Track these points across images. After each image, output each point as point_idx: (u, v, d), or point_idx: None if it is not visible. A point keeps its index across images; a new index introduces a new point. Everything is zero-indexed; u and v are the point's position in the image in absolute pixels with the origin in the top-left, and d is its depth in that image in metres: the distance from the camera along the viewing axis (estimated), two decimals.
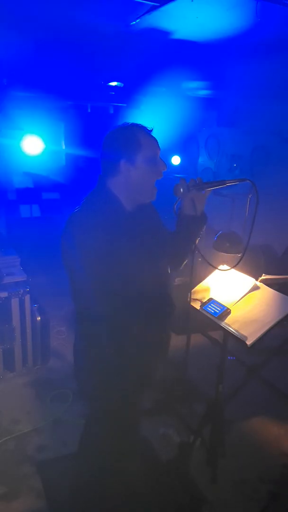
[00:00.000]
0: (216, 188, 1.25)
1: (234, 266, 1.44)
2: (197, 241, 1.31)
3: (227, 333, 1.54)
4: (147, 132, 1.21)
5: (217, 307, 1.58)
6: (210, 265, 1.46)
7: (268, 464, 1.97)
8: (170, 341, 1.41)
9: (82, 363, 1.32)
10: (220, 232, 2.60)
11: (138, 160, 1.17)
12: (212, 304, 1.60)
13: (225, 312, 1.56)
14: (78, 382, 1.36)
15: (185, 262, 1.39)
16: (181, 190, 1.21)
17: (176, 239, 1.31)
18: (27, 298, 2.53)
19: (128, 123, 1.22)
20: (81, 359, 1.32)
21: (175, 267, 1.40)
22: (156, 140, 1.22)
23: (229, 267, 1.58)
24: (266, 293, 1.61)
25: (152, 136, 1.22)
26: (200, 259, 1.47)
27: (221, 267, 1.69)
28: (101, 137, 1.24)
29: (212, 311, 1.57)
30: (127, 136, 1.18)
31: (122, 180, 1.19)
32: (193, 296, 1.69)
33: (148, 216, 1.30)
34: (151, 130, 1.22)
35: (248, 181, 1.22)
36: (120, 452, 1.38)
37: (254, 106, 3.47)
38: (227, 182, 1.22)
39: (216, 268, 1.50)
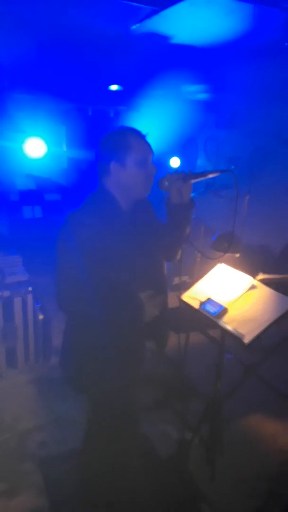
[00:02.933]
0: (208, 183, 1.28)
1: (223, 255, 1.44)
2: (188, 230, 1.35)
3: (224, 331, 1.53)
4: (140, 136, 1.23)
5: (215, 306, 1.57)
6: (205, 256, 1.45)
7: (266, 461, 1.96)
8: (167, 337, 1.42)
9: (72, 354, 1.31)
10: (218, 232, 2.60)
11: (127, 162, 1.20)
12: (209, 303, 1.60)
13: (223, 311, 1.55)
14: (67, 370, 1.35)
15: (179, 253, 1.42)
16: (166, 183, 1.26)
17: (168, 228, 1.34)
18: (29, 297, 2.53)
19: (123, 126, 1.25)
20: (71, 351, 1.32)
21: (170, 258, 1.42)
22: (149, 145, 1.25)
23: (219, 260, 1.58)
24: (264, 292, 1.60)
25: (144, 140, 1.24)
26: (199, 259, 1.48)
27: (218, 265, 1.69)
28: (98, 138, 1.26)
29: (210, 310, 1.57)
30: (118, 138, 1.22)
31: (113, 181, 1.23)
32: (191, 295, 1.68)
33: (144, 213, 1.33)
34: (145, 135, 1.24)
35: (229, 171, 1.25)
36: (119, 449, 1.38)
37: (253, 109, 3.46)
38: (208, 173, 1.25)
39: (208, 257, 1.49)
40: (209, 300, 1.61)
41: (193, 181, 1.27)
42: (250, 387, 2.41)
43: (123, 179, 1.22)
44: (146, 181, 1.25)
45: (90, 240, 1.14)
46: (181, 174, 1.26)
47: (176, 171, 1.28)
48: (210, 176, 1.25)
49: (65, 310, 1.24)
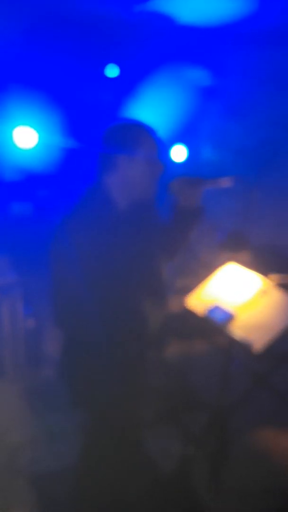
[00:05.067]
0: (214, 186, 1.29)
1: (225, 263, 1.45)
2: (192, 235, 1.37)
3: (232, 338, 1.53)
4: (148, 131, 1.24)
5: (222, 312, 1.57)
6: (207, 266, 1.46)
7: (275, 475, 1.96)
8: (166, 345, 1.42)
9: (73, 370, 1.32)
10: (226, 231, 2.61)
11: (137, 157, 1.20)
12: (216, 308, 1.59)
13: (230, 316, 1.55)
14: (67, 383, 1.36)
15: (175, 255, 1.44)
16: (176, 188, 1.29)
17: (170, 231, 1.36)
18: (19, 300, 2.52)
19: (131, 119, 1.26)
20: (71, 363, 1.32)
21: (167, 260, 1.44)
22: (157, 141, 1.25)
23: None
24: (275, 295, 1.60)
25: (153, 136, 1.25)
26: (203, 260, 1.48)
27: (227, 264, 1.69)
28: (99, 129, 1.26)
29: (217, 316, 1.56)
30: (128, 132, 1.22)
31: (119, 178, 1.22)
32: (197, 299, 1.68)
33: (144, 213, 1.32)
34: (153, 131, 1.25)
35: (242, 179, 1.27)
36: (119, 464, 1.38)
37: (261, 97, 3.46)
38: (222, 181, 1.29)
39: (211, 266, 1.51)
40: (216, 306, 1.61)
41: (204, 187, 1.29)
42: (259, 397, 2.42)
43: (130, 176, 1.22)
44: (153, 178, 1.25)
45: (85, 246, 1.14)
46: (192, 179, 1.28)
47: (186, 175, 1.30)
48: (223, 183, 1.28)
49: (64, 325, 1.24)
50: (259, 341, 1.45)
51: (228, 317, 1.54)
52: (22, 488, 1.84)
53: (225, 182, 1.28)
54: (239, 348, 1.55)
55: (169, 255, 1.43)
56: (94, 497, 1.45)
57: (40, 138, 3.02)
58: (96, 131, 1.28)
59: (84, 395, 1.31)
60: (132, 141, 1.20)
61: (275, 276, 1.70)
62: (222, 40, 2.49)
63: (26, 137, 2.99)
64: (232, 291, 1.67)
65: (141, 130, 1.23)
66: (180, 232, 1.36)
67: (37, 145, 3.04)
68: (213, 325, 1.56)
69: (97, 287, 1.15)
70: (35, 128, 2.98)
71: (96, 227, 1.17)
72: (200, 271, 2.73)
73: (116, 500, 1.45)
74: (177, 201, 1.31)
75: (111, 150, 1.21)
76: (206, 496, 1.81)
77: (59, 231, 1.19)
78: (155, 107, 3.24)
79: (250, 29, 2.31)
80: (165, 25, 2.30)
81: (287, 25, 2.22)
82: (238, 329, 1.51)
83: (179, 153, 3.87)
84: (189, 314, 1.63)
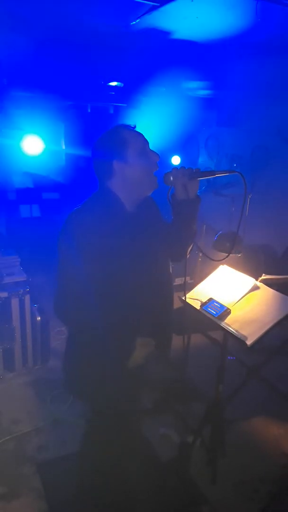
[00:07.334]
0: (209, 181, 1.27)
1: (226, 257, 1.43)
2: (194, 227, 1.32)
3: (227, 333, 1.54)
4: (130, 129, 1.23)
5: (217, 307, 1.58)
6: (208, 257, 1.44)
7: (268, 464, 1.97)
8: (171, 340, 1.42)
9: (75, 362, 1.31)
10: (220, 232, 2.61)
11: (129, 156, 1.18)
12: (212, 304, 1.60)
13: (225, 312, 1.56)
14: (71, 380, 1.36)
15: (187, 252, 1.39)
16: (171, 178, 1.25)
17: (173, 226, 1.32)
18: (27, 298, 2.53)
19: (112, 127, 1.24)
20: (73, 358, 1.32)
21: (177, 258, 1.40)
22: (142, 134, 1.23)
23: (224, 263, 1.58)
24: (266, 293, 1.61)
25: (136, 131, 1.23)
26: (200, 259, 1.49)
27: (220, 267, 1.70)
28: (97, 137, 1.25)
29: (212, 311, 1.57)
30: (113, 137, 1.21)
31: (119, 180, 1.21)
32: (193, 296, 1.69)
33: (148, 213, 1.31)
34: (134, 127, 1.24)
35: (237, 173, 1.23)
36: (119, 452, 1.39)
37: (254, 106, 3.47)
38: (216, 172, 1.24)
39: (213, 259, 1.48)
40: (211, 301, 1.61)
41: (199, 179, 1.25)
42: (252, 389, 2.42)
43: (129, 176, 1.19)
44: (152, 171, 1.22)
45: (91, 240, 1.11)
46: (188, 170, 1.23)
47: (183, 166, 1.24)
48: (218, 175, 1.24)
49: (62, 317, 1.21)
50: (251, 336, 1.45)
51: (223, 312, 1.54)
52: (30, 474, 1.85)
53: (220, 173, 1.24)
54: (233, 342, 1.55)
55: (177, 250, 1.36)
56: (95, 482, 1.46)
57: (46, 145, 3.04)
58: (95, 138, 1.27)
59: (86, 386, 1.31)
60: (120, 142, 1.18)
61: (266, 275, 1.70)
62: (217, 52, 2.50)
63: (34, 144, 3.01)
64: (226, 289, 1.68)
65: (124, 129, 1.21)
66: (181, 224, 1.29)
67: (43, 152, 3.06)
68: (209, 320, 1.56)
69: (105, 283, 1.13)
70: (41, 137, 3.00)
71: (102, 223, 1.14)
72: (196, 269, 2.73)
73: (116, 485, 1.45)
74: (174, 192, 1.26)
75: (103, 156, 1.20)
76: (202, 483, 1.81)
77: (65, 226, 1.15)
78: (153, 117, 3.25)
79: (246, 42, 2.31)
80: (162, 38, 2.30)
81: (279, 38, 2.23)
82: (232, 324, 1.52)
83: (175, 160, 3.88)
84: (186, 309, 1.63)
